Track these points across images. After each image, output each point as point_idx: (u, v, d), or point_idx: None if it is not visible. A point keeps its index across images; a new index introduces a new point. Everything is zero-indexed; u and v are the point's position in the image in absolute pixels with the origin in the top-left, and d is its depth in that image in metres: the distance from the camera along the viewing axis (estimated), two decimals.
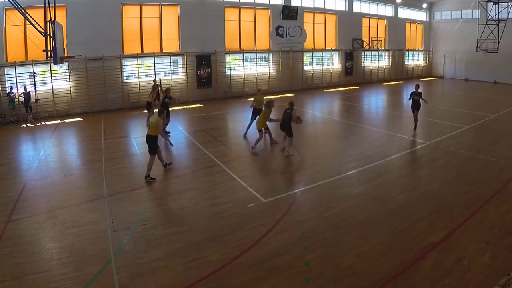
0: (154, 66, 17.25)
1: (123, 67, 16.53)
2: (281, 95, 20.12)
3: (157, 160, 7.73)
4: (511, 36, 23.01)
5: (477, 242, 4.90)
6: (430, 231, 5.27)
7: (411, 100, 11.60)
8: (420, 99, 11.46)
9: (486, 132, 11.47)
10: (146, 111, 12.94)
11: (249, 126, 10.93)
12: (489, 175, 7.55)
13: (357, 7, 25.25)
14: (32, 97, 14.16)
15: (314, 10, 22.90)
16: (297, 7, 21.51)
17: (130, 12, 16.68)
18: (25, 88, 13.92)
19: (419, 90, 11.56)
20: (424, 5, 29.32)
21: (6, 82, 13.99)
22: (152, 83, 13.34)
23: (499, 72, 25.28)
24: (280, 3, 21.08)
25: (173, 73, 18.23)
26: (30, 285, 4.21)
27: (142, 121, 13.77)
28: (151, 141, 7.51)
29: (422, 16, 30.28)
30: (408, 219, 5.69)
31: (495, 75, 25.70)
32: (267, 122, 9.54)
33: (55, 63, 10.05)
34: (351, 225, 5.52)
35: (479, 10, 24.21)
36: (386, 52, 27.92)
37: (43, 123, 13.80)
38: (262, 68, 21.12)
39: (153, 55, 17.13)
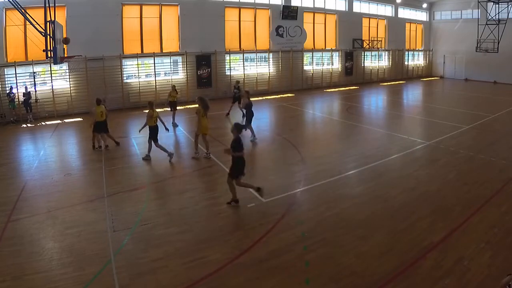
0: (154, 66, 17.26)
1: (123, 67, 16.54)
2: (281, 95, 20.13)
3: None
4: (511, 36, 23.01)
5: (477, 242, 4.89)
6: (430, 231, 5.27)
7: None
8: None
9: (486, 132, 11.46)
10: (170, 109, 13.24)
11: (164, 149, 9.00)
12: (489, 175, 7.55)
13: (357, 7, 25.25)
14: (32, 97, 14.16)
15: (314, 10, 22.90)
16: (297, 7, 21.51)
17: (130, 12, 16.69)
18: (25, 88, 13.92)
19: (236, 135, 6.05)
20: (424, 5, 29.32)
21: (6, 82, 14.00)
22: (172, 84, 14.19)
23: (499, 72, 25.29)
24: (280, 3, 21.09)
25: (173, 73, 18.24)
26: (30, 285, 4.21)
27: (142, 121, 13.78)
28: (102, 125, 9.68)
29: (422, 16, 30.27)
30: (408, 219, 5.69)
31: (495, 75, 25.71)
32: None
33: (55, 63, 10.06)
34: (351, 225, 5.52)
35: (479, 10, 24.19)
36: (386, 52, 27.92)
37: (43, 123, 13.81)
38: (262, 68, 21.13)
39: (153, 55, 17.14)
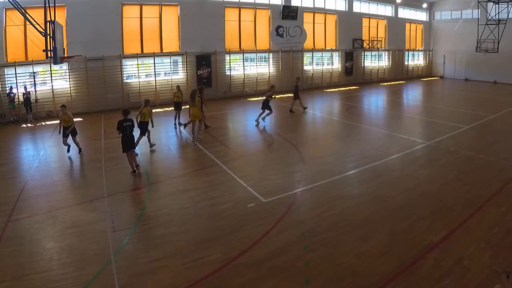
0: (154, 66, 17.25)
1: (123, 67, 16.53)
2: (281, 95, 20.10)
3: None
4: (511, 36, 23.02)
5: (477, 242, 4.89)
6: (430, 231, 5.28)
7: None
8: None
9: (486, 132, 11.47)
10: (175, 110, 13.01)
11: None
12: (489, 175, 7.55)
13: (357, 7, 25.25)
14: (32, 97, 14.15)
15: (314, 10, 22.90)
16: (297, 7, 21.51)
17: (130, 12, 16.68)
18: (25, 88, 13.92)
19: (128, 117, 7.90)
20: (424, 5, 29.32)
21: (6, 82, 13.99)
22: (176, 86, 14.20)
23: (499, 72, 25.29)
24: (280, 3, 21.08)
25: (173, 73, 18.23)
26: (31, 285, 4.21)
27: None
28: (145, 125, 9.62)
29: (422, 16, 30.28)
30: (408, 219, 5.69)
31: (495, 75, 25.71)
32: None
33: (55, 63, 10.05)
34: (351, 225, 5.52)
35: (479, 10, 24.20)
36: (386, 52, 27.92)
37: (43, 123, 13.80)
38: (262, 68, 21.13)
39: (153, 55, 17.13)
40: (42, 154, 9.67)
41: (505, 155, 8.86)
